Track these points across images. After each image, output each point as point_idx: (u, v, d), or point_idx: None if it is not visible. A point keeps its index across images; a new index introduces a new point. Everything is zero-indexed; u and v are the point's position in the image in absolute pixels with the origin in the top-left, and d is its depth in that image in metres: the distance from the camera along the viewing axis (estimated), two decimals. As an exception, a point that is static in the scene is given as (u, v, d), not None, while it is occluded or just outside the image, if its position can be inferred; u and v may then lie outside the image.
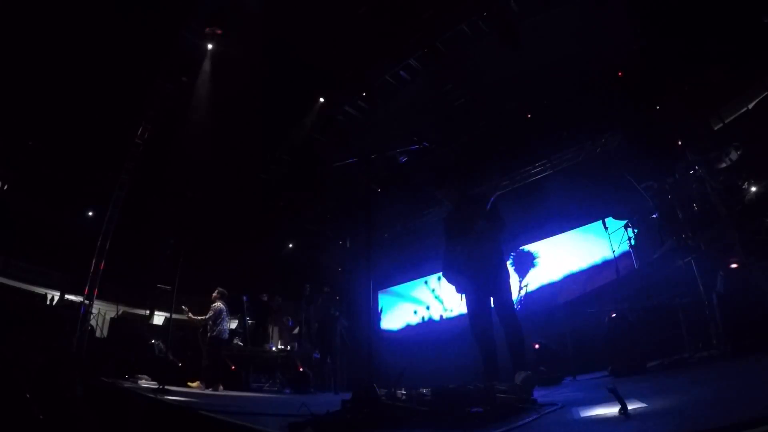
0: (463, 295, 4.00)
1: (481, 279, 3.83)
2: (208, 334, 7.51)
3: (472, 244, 3.83)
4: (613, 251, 7.07)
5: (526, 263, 9.77)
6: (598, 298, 6.58)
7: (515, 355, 3.58)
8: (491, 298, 3.83)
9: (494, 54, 8.47)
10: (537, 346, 5.97)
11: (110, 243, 9.25)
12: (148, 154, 9.92)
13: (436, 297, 11.42)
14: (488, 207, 3.85)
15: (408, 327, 12.04)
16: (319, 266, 13.29)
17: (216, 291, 7.90)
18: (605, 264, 8.23)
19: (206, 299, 7.91)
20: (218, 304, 7.71)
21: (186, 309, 7.58)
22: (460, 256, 3.94)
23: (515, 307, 3.90)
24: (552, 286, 9.35)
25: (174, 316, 6.55)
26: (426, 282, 11.86)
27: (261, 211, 12.06)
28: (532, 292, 9.48)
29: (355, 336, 9.19)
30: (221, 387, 7.20)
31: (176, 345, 8.64)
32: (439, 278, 11.35)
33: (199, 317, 7.65)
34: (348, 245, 13.53)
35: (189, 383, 7.20)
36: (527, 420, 2.04)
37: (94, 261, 9.06)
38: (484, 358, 3.73)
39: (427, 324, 11.52)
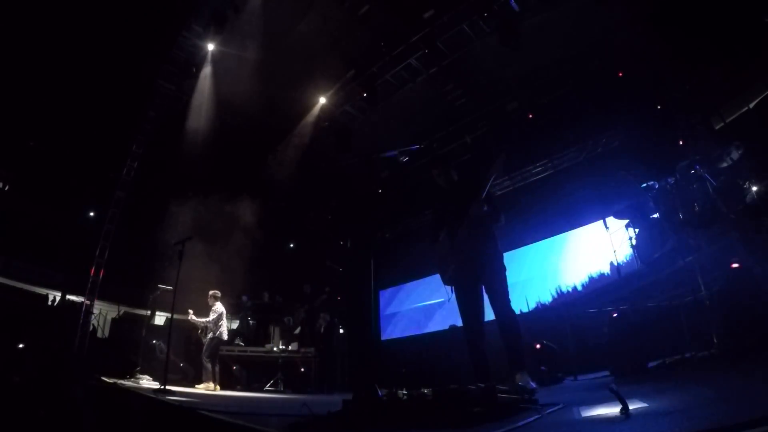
0: (454, 288, 3.64)
1: (471, 270, 3.50)
2: (209, 335, 7.55)
3: (464, 230, 3.47)
4: (614, 251, 7.07)
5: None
6: (599, 298, 6.58)
7: (513, 354, 3.33)
8: (483, 293, 3.50)
9: (495, 54, 8.47)
10: (538, 346, 5.97)
11: (111, 243, 9.27)
12: (149, 154, 9.94)
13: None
14: (484, 193, 3.41)
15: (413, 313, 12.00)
16: (320, 266, 13.30)
17: (211, 294, 7.92)
18: (606, 264, 8.23)
19: (206, 299, 7.91)
20: (219, 306, 7.78)
21: (191, 312, 7.64)
22: (449, 243, 3.60)
23: (510, 302, 3.47)
24: (553, 286, 9.35)
25: (175, 316, 6.55)
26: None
27: (262, 211, 12.06)
28: (534, 293, 9.48)
29: (337, 331, 9.16)
30: (218, 387, 7.28)
31: (177, 345, 8.65)
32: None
33: (202, 319, 7.70)
34: (349, 245, 13.53)
35: (197, 386, 7.25)
36: (529, 420, 2.04)
37: (95, 261, 9.09)
38: (473, 361, 3.45)
39: (430, 311, 11.44)
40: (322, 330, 9.38)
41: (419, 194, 11.40)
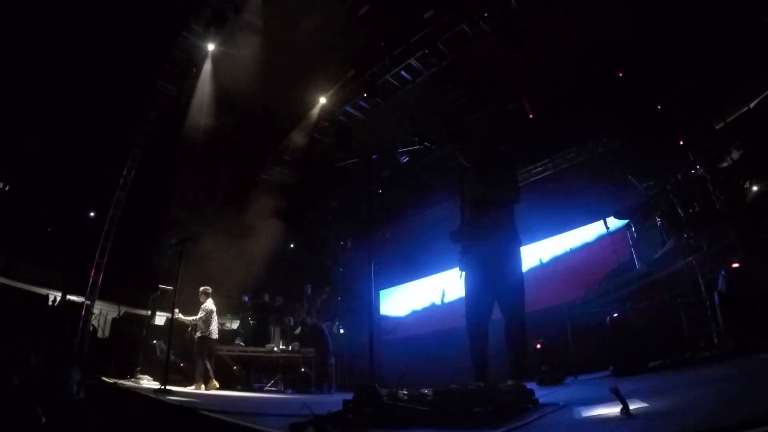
0: (464, 273, 3.43)
1: (488, 258, 3.22)
2: (198, 334, 7.41)
3: (485, 213, 3.26)
4: (614, 251, 7.08)
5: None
6: (600, 298, 6.57)
7: (515, 359, 3.12)
8: (496, 284, 3.25)
9: (495, 54, 8.47)
10: (539, 345, 5.96)
11: (112, 243, 9.27)
12: (149, 155, 9.94)
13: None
14: (511, 172, 3.27)
15: (413, 313, 12.09)
16: (321, 266, 13.30)
17: (202, 290, 7.72)
18: (607, 263, 8.22)
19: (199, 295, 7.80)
20: (208, 304, 7.60)
21: (176, 310, 7.42)
22: (468, 226, 3.37)
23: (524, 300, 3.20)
24: (553, 285, 9.34)
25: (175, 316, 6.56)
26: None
27: (262, 211, 12.08)
28: (534, 293, 9.47)
29: (324, 334, 9.12)
30: (216, 384, 7.12)
31: (178, 345, 8.65)
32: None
33: (189, 318, 7.52)
34: (349, 245, 13.54)
35: (188, 389, 7.14)
36: (529, 420, 2.03)
37: (95, 261, 9.09)
38: (474, 357, 3.22)
39: (430, 311, 11.49)
40: (299, 331, 9.36)
41: (420, 193, 11.41)
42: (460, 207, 3.71)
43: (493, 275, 3.26)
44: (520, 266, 3.31)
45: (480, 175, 3.49)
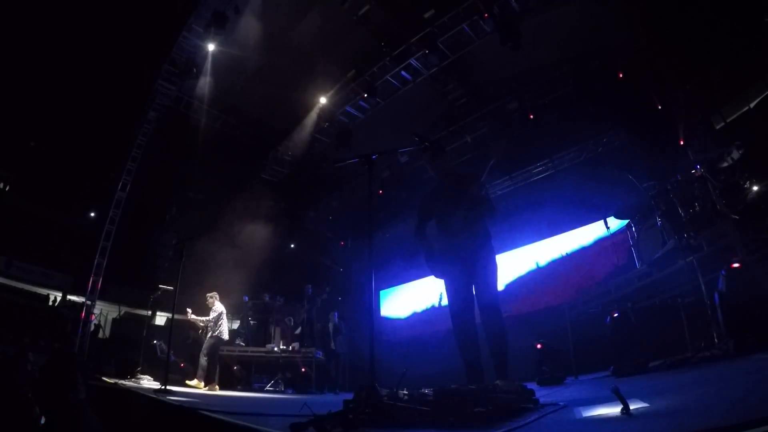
0: (443, 281, 3.48)
1: (463, 262, 3.29)
2: (209, 334, 7.52)
3: (458, 221, 3.30)
4: (615, 251, 7.07)
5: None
6: (600, 298, 6.58)
7: (497, 360, 3.12)
8: (473, 288, 3.32)
9: (495, 54, 8.47)
10: (539, 346, 5.96)
11: (112, 244, 9.28)
12: (149, 155, 9.94)
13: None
14: (481, 186, 3.33)
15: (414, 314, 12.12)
16: (321, 266, 13.30)
17: (209, 295, 7.83)
18: (607, 263, 8.23)
19: (206, 300, 7.87)
20: (218, 306, 7.72)
21: (189, 311, 7.59)
22: (442, 234, 3.44)
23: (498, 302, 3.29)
24: (554, 285, 9.35)
25: (176, 316, 6.55)
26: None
27: (263, 212, 12.09)
28: (534, 293, 9.47)
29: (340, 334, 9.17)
30: (217, 387, 7.23)
31: (178, 345, 8.65)
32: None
33: (202, 318, 7.66)
34: (349, 245, 13.54)
35: (187, 382, 7.22)
36: (529, 420, 2.03)
37: (95, 262, 9.10)
38: (465, 361, 3.23)
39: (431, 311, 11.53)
40: (331, 330, 9.38)
41: (420, 193, 11.39)
42: (420, 213, 3.72)
43: (472, 282, 3.33)
44: (494, 266, 3.34)
45: (447, 186, 3.60)
